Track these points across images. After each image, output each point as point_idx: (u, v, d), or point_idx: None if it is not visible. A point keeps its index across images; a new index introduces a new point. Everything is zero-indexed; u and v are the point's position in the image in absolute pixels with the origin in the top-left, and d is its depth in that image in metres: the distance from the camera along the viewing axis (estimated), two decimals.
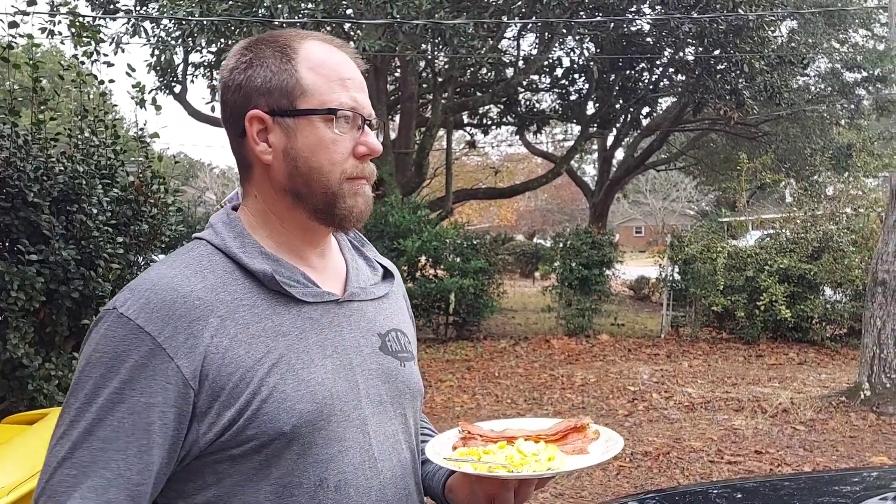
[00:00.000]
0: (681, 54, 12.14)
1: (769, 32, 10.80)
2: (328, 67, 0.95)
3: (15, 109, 4.05)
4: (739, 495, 2.27)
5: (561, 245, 11.13)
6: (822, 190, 11.42)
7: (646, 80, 13.27)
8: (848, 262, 9.46)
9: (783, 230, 10.96)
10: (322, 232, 1.00)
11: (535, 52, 12.38)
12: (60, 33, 8.03)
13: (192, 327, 0.86)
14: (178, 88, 11.82)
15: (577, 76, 12.86)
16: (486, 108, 14.43)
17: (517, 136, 16.11)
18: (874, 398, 6.19)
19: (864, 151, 10.42)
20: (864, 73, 13.42)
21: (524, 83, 12.99)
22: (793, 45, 11.59)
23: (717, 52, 10.93)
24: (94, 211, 3.95)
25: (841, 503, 2.03)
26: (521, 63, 12.18)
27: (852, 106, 14.17)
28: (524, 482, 0.96)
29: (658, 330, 11.06)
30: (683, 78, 12.37)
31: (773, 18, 10.81)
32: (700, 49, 11.47)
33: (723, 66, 10.93)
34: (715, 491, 2.36)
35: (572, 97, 13.59)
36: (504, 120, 14.85)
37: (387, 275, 1.11)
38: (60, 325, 3.78)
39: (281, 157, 0.94)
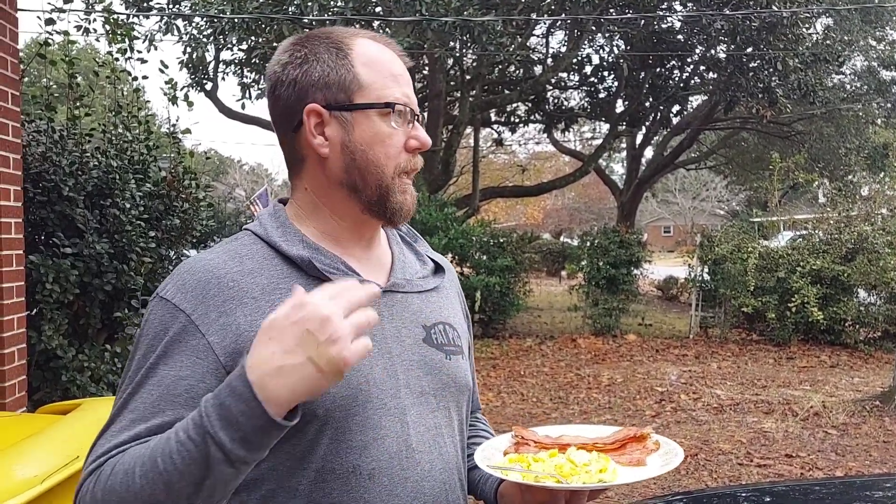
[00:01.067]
0: (712, 52, 11.94)
1: (804, 29, 10.57)
2: (381, 63, 0.97)
3: (51, 105, 4.14)
4: (768, 499, 2.23)
5: (588, 244, 11.05)
6: (856, 190, 11.16)
7: (676, 78, 13.07)
8: (883, 263, 9.23)
9: (816, 231, 10.73)
10: (372, 225, 1.02)
11: (563, 49, 12.30)
12: (95, 30, 8.21)
13: (225, 306, 0.89)
14: (209, 86, 11.98)
15: (606, 74, 12.73)
16: (514, 105, 14.36)
17: (545, 135, 16.01)
18: None
19: None
20: None
21: (552, 81, 12.90)
22: (828, 42, 11.33)
23: (749, 50, 10.73)
24: (127, 205, 4.03)
25: None
26: (549, 60, 12.11)
27: (889, 105, 13.82)
28: (576, 493, 0.94)
29: (686, 331, 10.92)
30: (715, 76, 12.15)
31: (807, 15, 10.59)
32: (732, 46, 11.27)
33: (755, 64, 10.73)
34: (744, 494, 2.32)
35: (601, 95, 13.46)
36: (532, 118, 14.77)
37: (438, 270, 1.11)
38: (93, 318, 3.85)
39: (338, 150, 0.95)
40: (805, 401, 6.60)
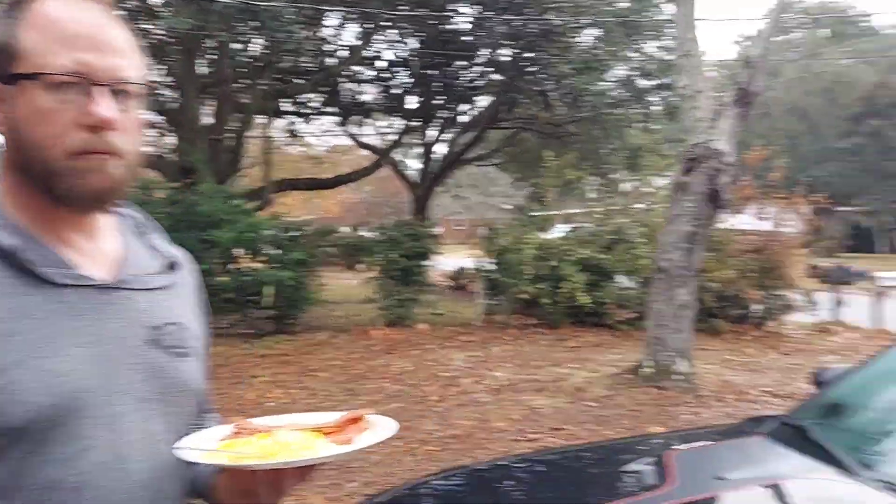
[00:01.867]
0: (497, 55, 12.70)
1: (573, 39, 11.64)
2: (56, 25, 0.85)
3: None
4: (541, 468, 2.38)
5: (382, 236, 11.20)
6: (617, 187, 12.59)
7: (465, 78, 13.72)
8: (637, 252, 10.50)
9: (584, 224, 11.91)
10: (80, 212, 0.91)
11: (357, 42, 12.31)
12: None
13: None
14: None
15: (398, 70, 12.99)
16: (308, 97, 14.11)
17: (341, 127, 15.95)
18: (654, 374, 6.91)
19: (653, 152, 11.61)
20: (656, 81, 14.93)
21: (346, 74, 12.86)
22: (595, 51, 12.59)
23: (528, 55, 11.58)
24: None
25: (609, 470, 2.20)
26: (342, 53, 12.05)
27: (645, 110, 15.72)
28: (280, 474, 0.91)
29: (474, 318, 11.53)
30: (500, 77, 12.95)
31: (577, 25, 11.67)
32: (515, 50, 12.09)
33: (534, 69, 11.61)
34: (516, 465, 2.47)
35: (395, 91, 13.70)
36: (326, 110, 14.61)
37: (173, 265, 1.03)
38: None
39: (7, 128, 0.86)
40: (571, 378, 7.29)
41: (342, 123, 14.99)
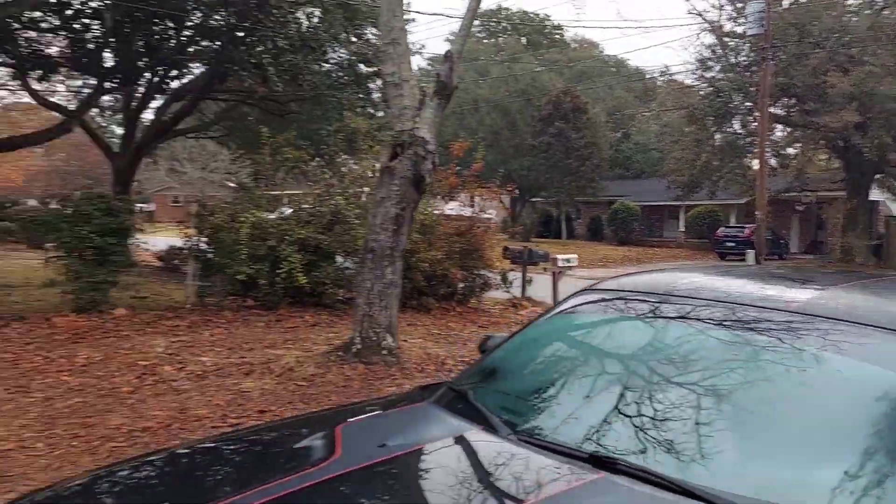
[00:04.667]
0: (209, 20, 11.88)
1: (291, 13, 11.38)
2: None
3: None
4: (259, 448, 2.21)
5: (69, 210, 9.81)
6: (338, 169, 12.69)
7: (174, 42, 12.59)
8: (354, 233, 10.73)
9: (304, 204, 11.81)
10: None
11: None
12: None
13: None
14: None
15: (90, 22, 11.40)
16: None
17: (17, 82, 13.52)
18: (364, 351, 7.13)
19: (368, 137, 11.92)
20: (374, 68, 15.36)
21: (24, 20, 10.91)
22: (315, 30, 12.48)
23: (244, 24, 11.03)
24: None
25: (280, 448, 2.14)
26: None
27: (365, 96, 16.08)
28: None
29: (184, 301, 10.76)
30: (212, 45, 12.14)
31: (294, 1, 11.43)
32: (232, 18, 11.41)
33: (250, 40, 11.09)
34: (223, 444, 2.28)
35: (89, 46, 12.01)
36: None
37: None
38: None
39: None
40: (283, 358, 7.18)
41: (19, 77, 12.70)
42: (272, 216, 11.50)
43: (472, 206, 14.03)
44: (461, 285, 12.09)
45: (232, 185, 35.37)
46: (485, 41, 49.04)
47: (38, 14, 10.68)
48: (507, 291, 12.78)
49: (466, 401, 2.19)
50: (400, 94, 7.06)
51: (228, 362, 7.03)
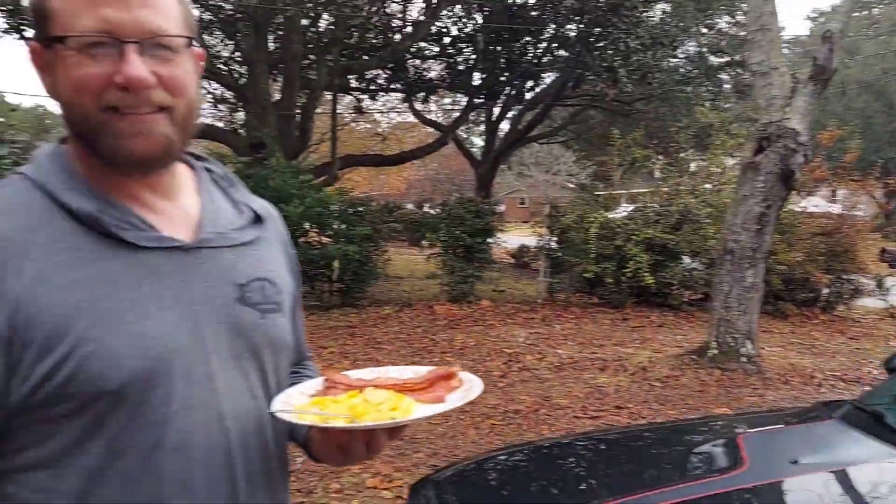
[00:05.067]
0: (563, 30, 12.50)
1: (643, 13, 11.34)
2: None
3: None
4: (603, 447, 2.43)
5: (446, 213, 11.32)
6: (685, 166, 12.27)
7: (530, 55, 13.56)
8: (704, 232, 10.27)
9: (651, 203, 11.70)
10: (134, 176, 0.88)
11: (423, 18, 12.33)
12: None
13: (1, 271, 0.78)
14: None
15: (463, 46, 12.95)
16: (374, 73, 14.23)
17: (405, 104, 16.05)
18: (720, 356, 6.82)
19: (722, 131, 11.26)
20: (727, 58, 14.43)
21: (412, 50, 12.92)
22: (665, 27, 12.24)
23: (596, 30, 11.35)
24: None
25: (678, 450, 2.24)
26: (408, 28, 12.10)
27: (715, 88, 15.22)
28: (372, 433, 0.91)
29: (536, 296, 11.56)
30: (565, 54, 12.76)
31: (647, 0, 11.37)
32: (581, 26, 11.87)
33: (601, 44, 11.38)
34: (580, 443, 2.54)
35: (460, 67, 13.68)
36: (392, 86, 14.73)
37: (258, 220, 1.01)
38: None
39: (54, 93, 0.85)
40: (635, 357, 7.27)
41: (407, 100, 15.07)
42: (615, 216, 11.65)
43: (834, 200, 12.28)
44: (825, 291, 10.69)
45: (572, 185, 36.69)
46: (854, 14, 42.02)
47: (423, 44, 12.55)
48: (883, 300, 10.88)
49: (883, 422, 2.00)
50: (768, 84, 6.55)
51: (582, 356, 7.37)
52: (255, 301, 0.94)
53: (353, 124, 24.35)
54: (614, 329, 9.09)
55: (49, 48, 0.83)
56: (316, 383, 1.01)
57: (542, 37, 13.04)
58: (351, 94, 15.11)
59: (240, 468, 0.89)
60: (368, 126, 25.82)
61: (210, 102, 13.04)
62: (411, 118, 20.90)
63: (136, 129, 0.83)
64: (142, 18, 0.81)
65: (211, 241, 0.92)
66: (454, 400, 0.95)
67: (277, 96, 12.15)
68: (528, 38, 12.96)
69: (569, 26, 12.29)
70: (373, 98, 15.82)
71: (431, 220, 11.84)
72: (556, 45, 13.06)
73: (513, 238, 16.02)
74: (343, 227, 10.38)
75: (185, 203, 0.95)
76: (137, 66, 0.80)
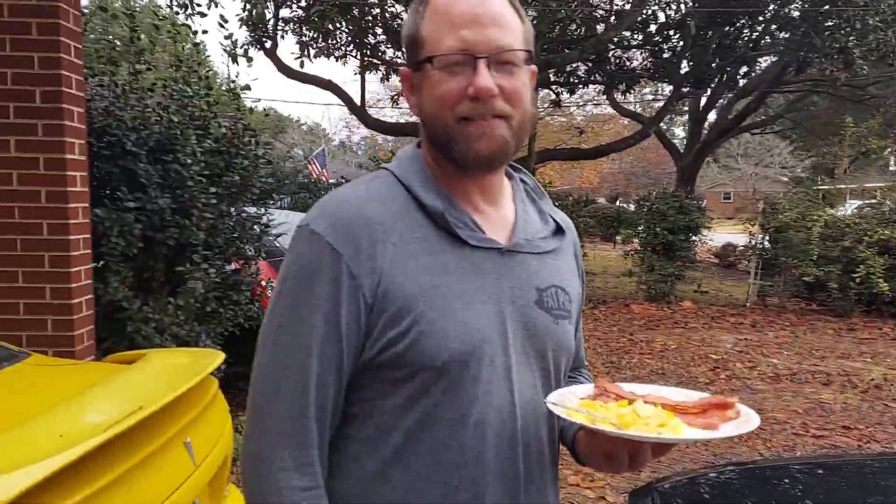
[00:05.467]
0: (785, 10, 11.27)
1: None
2: (444, 10, 0.96)
3: (113, 60, 4.20)
4: (821, 471, 2.16)
5: (646, 208, 10.79)
6: None
7: (746, 38, 12.41)
8: None
9: (886, 200, 10.23)
10: (477, 175, 1.01)
11: (628, 6, 11.82)
12: None
13: (373, 249, 0.93)
14: (268, 44, 11.98)
15: (671, 32, 12.18)
16: (574, 65, 13.93)
17: (604, 96, 15.51)
18: None
19: None
20: None
21: (615, 40, 12.44)
22: None
23: (825, 8, 10.09)
24: (189, 161, 4.08)
25: None
26: (612, 18, 11.66)
27: None
28: (640, 446, 0.95)
29: (744, 299, 10.64)
30: (787, 35, 11.49)
31: None
32: (807, 4, 10.63)
33: (832, 23, 10.08)
34: (796, 466, 2.26)
35: (665, 55, 12.90)
36: (592, 78, 14.31)
37: (559, 231, 1.11)
38: (157, 271, 3.95)
39: (419, 109, 1.00)
40: (865, 373, 6.39)
41: (607, 92, 14.56)
42: (838, 212, 10.31)
43: None
44: None
45: (785, 179, 33.32)
46: None
47: (627, 33, 12.02)
48: None
49: None
50: None
51: (800, 368, 6.62)
52: (551, 306, 1.04)
53: (549, 118, 24.21)
54: (838, 340, 8.06)
55: (418, 71, 0.98)
56: (587, 388, 1.06)
57: (761, 18, 11.85)
58: (549, 89, 14.95)
59: (521, 451, 0.99)
60: (563, 119, 25.52)
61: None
62: (607, 110, 20.27)
63: (481, 131, 0.95)
64: (493, 37, 0.94)
65: (521, 247, 1.03)
66: (727, 430, 0.93)
67: None
68: (744, 20, 11.86)
69: (793, 5, 11.03)
70: (571, 92, 15.52)
71: (629, 216, 11.37)
72: (776, 26, 11.81)
73: (716, 235, 14.94)
74: None
75: (504, 209, 1.06)
76: (486, 78, 0.93)
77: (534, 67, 1.02)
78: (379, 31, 11.72)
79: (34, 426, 1.61)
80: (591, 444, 1.02)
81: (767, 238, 10.47)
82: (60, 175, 3.09)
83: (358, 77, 13.04)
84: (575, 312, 1.10)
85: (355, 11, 10.91)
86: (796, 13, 11.05)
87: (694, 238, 10.62)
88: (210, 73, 5.83)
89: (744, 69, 13.34)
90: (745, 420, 0.94)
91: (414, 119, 1.08)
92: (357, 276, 0.91)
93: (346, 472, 0.97)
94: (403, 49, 1.02)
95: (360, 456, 0.96)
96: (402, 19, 11.37)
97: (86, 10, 3.84)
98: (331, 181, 15.01)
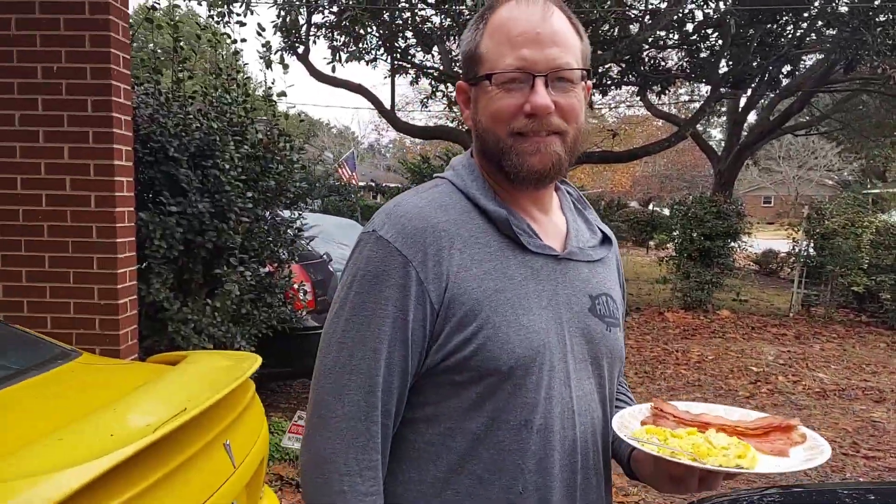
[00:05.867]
0: (833, 5, 10.96)
1: None
2: (505, 29, 0.98)
3: (157, 69, 4.29)
4: (873, 497, 2.06)
5: (682, 213, 10.59)
6: None
7: (789, 35, 12.08)
8: None
9: None
10: (531, 189, 1.03)
11: (663, 5, 11.64)
12: None
13: (439, 255, 0.94)
14: (301, 49, 12.12)
15: (709, 31, 11.93)
16: (607, 66, 13.76)
17: (637, 98, 15.28)
18: None
19: None
20: None
21: (650, 40, 12.25)
22: None
23: (877, 2, 9.79)
24: (227, 166, 4.14)
25: None
26: (647, 18, 11.48)
27: None
28: (711, 473, 0.94)
29: (787, 308, 10.36)
30: (834, 32, 11.16)
31: None
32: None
33: (885, 18, 9.76)
34: (845, 492, 2.16)
35: (703, 55, 12.65)
36: (625, 80, 14.13)
37: (605, 240, 1.14)
38: (196, 273, 4.02)
39: (472, 122, 1.03)
40: None
41: (640, 93, 14.34)
42: (889, 218, 9.97)
43: None
44: None
45: (831, 182, 32.40)
46: None
47: (662, 33, 11.82)
48: None
49: None
50: None
51: (849, 383, 6.40)
52: (603, 313, 1.05)
53: None
54: (891, 354, 7.78)
55: (474, 85, 1.01)
56: (644, 408, 1.08)
57: (806, 14, 11.55)
58: None
59: (580, 459, 1.00)
60: (595, 121, 25.27)
61: (443, 104, 13.63)
62: (641, 112, 19.98)
63: (535, 147, 0.97)
64: (551, 56, 0.96)
65: (575, 255, 1.05)
66: (798, 457, 0.92)
67: None
68: (787, 17, 11.56)
69: (841, 0, 10.72)
70: (604, 93, 15.33)
71: (663, 220, 11.18)
72: (822, 22, 11.49)
73: (757, 241, 14.63)
74: None
75: (556, 219, 1.09)
76: (543, 96, 0.95)
77: (589, 83, 1.04)
78: (409, 34, 11.78)
79: (86, 425, 1.64)
80: (659, 469, 1.01)
81: (812, 245, 10.18)
82: (109, 181, 3.18)
83: (388, 80, 13.12)
84: (621, 321, 1.12)
85: (385, 16, 10.97)
86: (845, 8, 10.72)
87: (732, 244, 10.37)
88: (247, 79, 5.91)
89: (787, 68, 13.01)
90: (816, 447, 0.92)
91: (443, 123, 1.08)
92: (424, 282, 0.93)
93: (406, 477, 0.97)
94: (461, 62, 1.05)
95: (422, 461, 0.97)
96: (432, 23, 11.41)
97: (132, 21, 3.93)
98: (360, 184, 15.10)
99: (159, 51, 4.63)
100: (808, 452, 0.92)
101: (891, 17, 9.61)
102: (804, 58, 13.34)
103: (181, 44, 4.44)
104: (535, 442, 0.95)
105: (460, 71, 1.07)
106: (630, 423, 1.01)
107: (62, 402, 2.00)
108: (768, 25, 11.52)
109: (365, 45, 11.75)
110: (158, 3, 4.42)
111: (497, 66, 0.96)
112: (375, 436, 0.92)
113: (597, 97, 15.82)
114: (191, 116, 4.13)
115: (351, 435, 0.92)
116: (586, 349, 1.02)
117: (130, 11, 3.41)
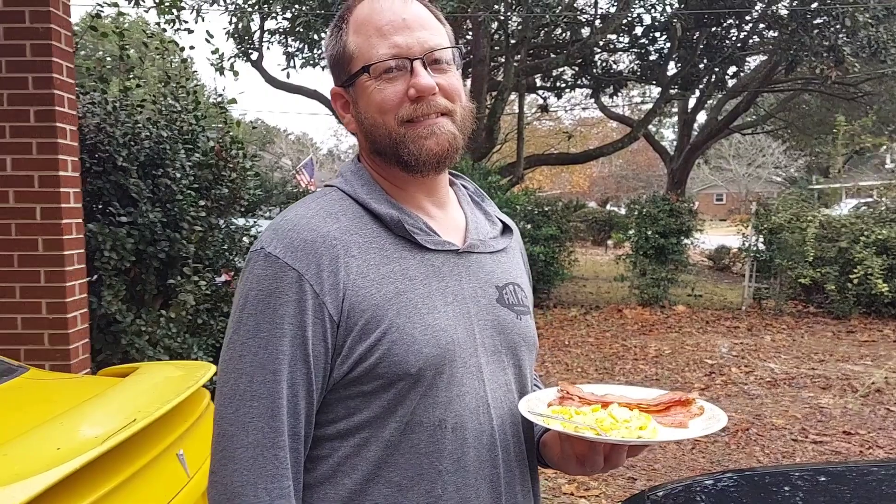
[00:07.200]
0: (773, 8, 11.36)
1: None
2: (368, 23, 0.97)
3: (104, 77, 4.21)
4: (823, 479, 2.14)
5: (637, 212, 10.82)
6: None
7: (734, 38, 12.49)
8: None
9: (882, 198, 10.27)
10: (424, 182, 1.01)
11: (612, 9, 11.90)
12: (144, 2, 8.30)
13: (334, 265, 0.91)
14: (254, 55, 12.00)
15: (658, 35, 12.25)
16: (560, 70, 14.00)
17: (592, 100, 15.59)
18: None
19: None
20: None
21: (601, 43, 12.51)
22: None
23: (814, 6, 10.18)
24: (178, 175, 4.08)
25: None
26: (597, 22, 11.73)
27: None
28: (615, 448, 0.95)
29: (739, 302, 10.66)
30: (776, 34, 11.57)
31: None
32: (795, 2, 10.73)
33: (821, 21, 10.16)
34: (797, 473, 2.24)
35: (652, 57, 12.98)
36: (578, 82, 14.38)
37: (506, 230, 1.13)
38: (149, 284, 3.95)
39: (356, 123, 1.01)
40: (866, 376, 6.39)
41: (593, 95, 14.63)
42: (834, 212, 10.35)
43: None
44: None
45: (779, 179, 33.44)
46: None
47: (612, 36, 12.09)
48: None
49: None
50: None
51: (798, 372, 6.62)
52: (511, 302, 1.05)
53: (537, 123, 24.27)
54: (837, 343, 8.07)
55: (350, 87, 0.99)
56: (551, 392, 1.07)
57: (749, 17, 11.95)
58: (536, 93, 15.01)
59: (500, 453, 0.99)
60: (551, 124, 25.61)
61: None
62: (595, 114, 20.33)
63: (429, 130, 0.96)
64: (423, 38, 0.96)
65: (476, 248, 1.04)
66: (698, 427, 0.95)
67: None
68: (731, 21, 11.95)
69: (781, 3, 11.11)
70: (558, 96, 15.58)
71: (620, 220, 11.40)
72: (764, 25, 11.90)
73: (710, 238, 15.00)
74: (529, 227, 10.34)
75: (453, 214, 1.07)
76: (425, 77, 0.94)
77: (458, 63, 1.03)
78: None
79: (32, 439, 1.62)
80: (565, 449, 1.01)
81: (761, 240, 10.49)
82: (54, 192, 3.11)
83: None
84: (530, 309, 1.11)
85: None
86: (784, 11, 11.13)
87: (686, 241, 10.64)
88: (197, 87, 5.84)
89: (732, 69, 13.43)
90: (713, 416, 0.96)
91: None
92: (321, 295, 0.89)
93: (322, 494, 0.93)
94: (329, 69, 1.03)
95: (337, 476, 0.93)
96: None
97: (77, 29, 3.85)
98: (319, 190, 15.01)
99: (108, 59, 4.54)
100: (707, 423, 0.95)
101: (826, 19, 10.00)
102: (748, 59, 13.80)
103: (129, 51, 4.37)
104: (450, 441, 0.94)
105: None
106: (537, 407, 1.01)
107: (6, 417, 1.95)
108: (713, 28, 11.89)
109: (319, 51, 11.70)
110: (103, 11, 4.35)
111: (372, 58, 0.95)
112: (284, 462, 0.88)
113: (552, 100, 16.06)
114: (140, 125, 4.07)
115: (259, 465, 0.87)
116: (499, 340, 1.01)
117: (75, 18, 3.35)
